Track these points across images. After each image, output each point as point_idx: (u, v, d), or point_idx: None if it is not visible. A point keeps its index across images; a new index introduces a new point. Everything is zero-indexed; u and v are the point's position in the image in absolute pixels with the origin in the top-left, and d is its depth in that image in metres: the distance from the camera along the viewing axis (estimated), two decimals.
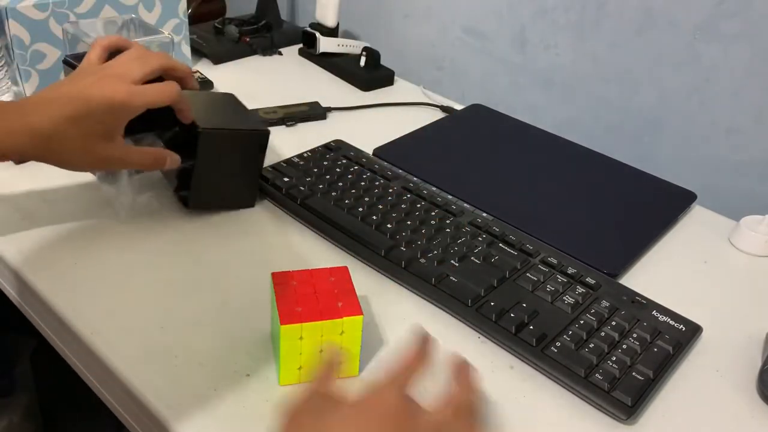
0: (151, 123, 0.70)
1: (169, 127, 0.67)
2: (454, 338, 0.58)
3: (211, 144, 0.64)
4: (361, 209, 0.68)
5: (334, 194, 0.71)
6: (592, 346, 0.55)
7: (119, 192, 0.66)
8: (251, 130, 0.67)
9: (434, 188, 0.75)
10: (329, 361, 0.42)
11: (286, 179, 0.73)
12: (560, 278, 0.62)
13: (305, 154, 0.78)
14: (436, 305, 0.60)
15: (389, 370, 0.40)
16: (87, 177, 0.73)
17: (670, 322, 0.59)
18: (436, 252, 0.64)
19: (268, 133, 0.68)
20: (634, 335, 0.56)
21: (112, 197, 0.68)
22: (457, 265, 0.62)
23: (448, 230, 0.67)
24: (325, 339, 0.49)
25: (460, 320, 0.59)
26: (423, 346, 0.43)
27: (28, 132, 0.53)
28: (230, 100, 0.73)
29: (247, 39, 1.11)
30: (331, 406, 0.38)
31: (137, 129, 0.67)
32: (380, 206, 0.69)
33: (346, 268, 0.53)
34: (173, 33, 0.97)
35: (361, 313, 0.49)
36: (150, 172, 0.71)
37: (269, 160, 0.78)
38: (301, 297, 0.50)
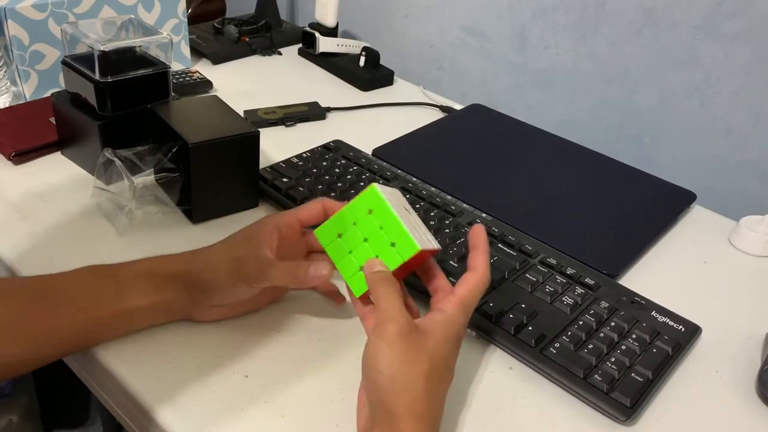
0: (146, 136, 0.71)
1: (165, 141, 0.67)
2: None
3: (202, 157, 0.64)
4: None
5: (333, 195, 0.71)
6: (591, 347, 0.55)
7: (119, 201, 0.66)
8: (240, 134, 0.66)
9: (433, 188, 0.75)
10: (380, 280, 0.46)
11: (285, 180, 0.73)
12: (559, 279, 0.62)
13: (304, 155, 0.78)
14: None
15: (467, 295, 0.48)
16: (87, 178, 0.73)
17: (670, 322, 0.59)
18: None
19: (257, 134, 0.68)
20: (633, 336, 0.56)
21: (109, 210, 0.68)
22: (456, 265, 0.62)
23: (447, 231, 0.67)
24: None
25: None
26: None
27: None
28: (214, 103, 0.72)
29: (247, 39, 1.11)
30: (419, 335, 0.44)
31: (132, 142, 0.68)
32: None
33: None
34: (172, 33, 0.97)
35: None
36: (152, 186, 0.71)
37: (268, 160, 0.78)
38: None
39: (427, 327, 0.46)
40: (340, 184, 0.73)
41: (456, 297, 0.48)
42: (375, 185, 0.49)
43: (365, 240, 0.49)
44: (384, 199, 0.48)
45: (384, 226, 0.48)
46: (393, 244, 0.48)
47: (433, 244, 0.51)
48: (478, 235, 0.50)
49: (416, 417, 0.42)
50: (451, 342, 0.46)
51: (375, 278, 0.47)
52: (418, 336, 0.44)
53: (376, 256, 0.48)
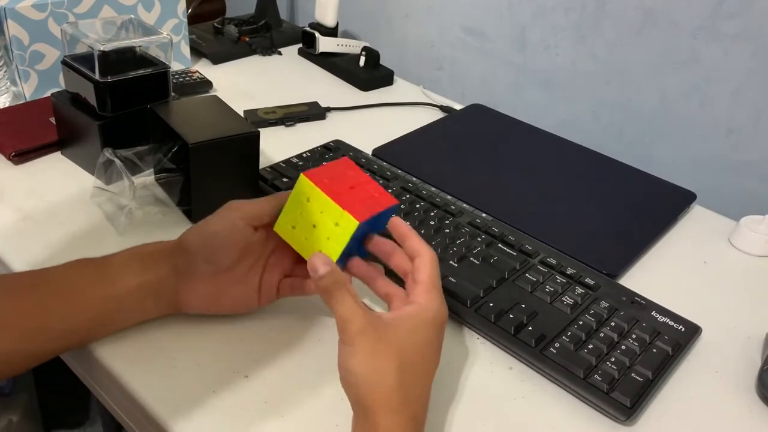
0: (146, 136, 0.71)
1: (165, 141, 0.67)
2: (453, 339, 0.58)
3: (202, 156, 0.64)
4: None
5: None
6: (591, 347, 0.55)
7: (119, 201, 0.66)
8: (240, 134, 0.66)
9: (433, 188, 0.75)
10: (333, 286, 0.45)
11: (285, 179, 0.73)
12: (559, 279, 0.62)
13: (304, 155, 0.78)
14: None
15: (429, 280, 0.48)
16: (87, 178, 0.73)
17: (670, 322, 0.59)
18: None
19: (257, 134, 0.68)
20: (633, 336, 0.56)
21: (109, 210, 0.68)
22: (456, 265, 0.62)
23: (447, 230, 0.67)
24: (323, 218, 0.49)
25: (459, 321, 0.59)
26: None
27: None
28: (214, 103, 0.72)
29: (247, 39, 1.11)
30: (383, 328, 0.44)
31: (132, 142, 0.67)
32: None
33: (396, 203, 0.52)
34: (172, 33, 0.97)
35: (359, 220, 0.48)
36: (152, 186, 0.71)
37: (268, 160, 0.79)
38: (338, 179, 0.51)
39: (393, 319, 0.46)
40: None
41: (420, 285, 0.48)
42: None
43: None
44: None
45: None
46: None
47: (384, 202, 0.51)
48: (398, 227, 0.51)
49: (392, 409, 0.42)
50: (425, 329, 0.46)
51: (322, 286, 0.45)
52: (383, 329, 0.44)
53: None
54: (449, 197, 0.73)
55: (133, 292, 0.51)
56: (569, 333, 0.56)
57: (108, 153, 0.65)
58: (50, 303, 0.49)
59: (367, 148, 0.82)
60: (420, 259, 0.49)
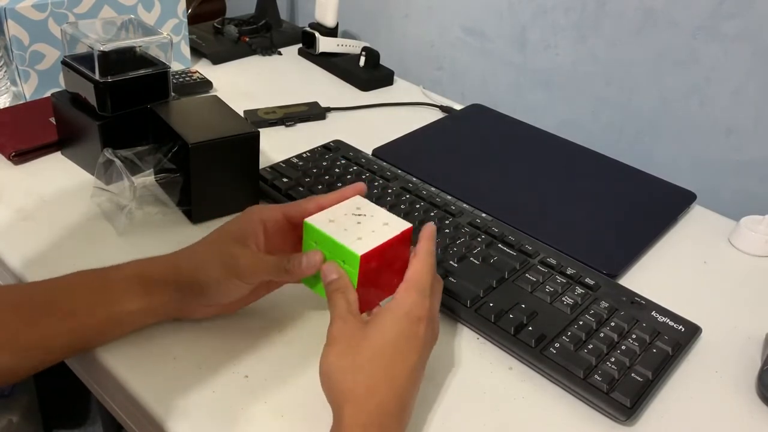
0: (146, 136, 0.71)
1: (165, 141, 0.67)
2: (453, 339, 0.58)
3: (202, 157, 0.64)
4: None
5: None
6: (591, 347, 0.55)
7: (119, 201, 0.66)
8: (240, 134, 0.66)
9: (433, 188, 0.75)
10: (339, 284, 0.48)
11: (285, 180, 0.73)
12: (559, 279, 0.62)
13: (304, 155, 0.78)
14: None
15: (413, 277, 0.49)
16: (87, 178, 0.73)
17: (670, 322, 0.59)
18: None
19: (257, 134, 0.68)
20: (633, 336, 0.56)
21: (109, 210, 0.68)
22: (456, 265, 0.62)
23: (447, 231, 0.67)
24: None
25: (459, 321, 0.59)
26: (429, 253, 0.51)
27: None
28: (214, 103, 0.72)
29: (247, 39, 1.11)
30: (359, 326, 0.46)
31: (132, 142, 0.67)
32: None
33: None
34: (172, 33, 0.97)
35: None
36: (152, 186, 0.71)
37: (268, 160, 0.79)
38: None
39: (370, 319, 0.48)
40: (340, 184, 0.73)
41: (403, 283, 0.49)
42: (306, 220, 0.51)
43: None
44: (317, 228, 0.50)
45: (330, 251, 0.50)
46: (344, 262, 0.49)
47: (394, 230, 0.51)
48: (424, 229, 0.52)
49: (356, 399, 0.44)
50: (396, 323, 0.47)
51: (329, 291, 0.49)
52: (358, 329, 0.46)
53: None
54: (449, 197, 0.73)
55: (135, 313, 0.52)
56: (569, 333, 0.56)
57: (108, 153, 0.65)
58: (50, 319, 0.49)
59: (367, 148, 0.82)
60: (412, 259, 0.51)
